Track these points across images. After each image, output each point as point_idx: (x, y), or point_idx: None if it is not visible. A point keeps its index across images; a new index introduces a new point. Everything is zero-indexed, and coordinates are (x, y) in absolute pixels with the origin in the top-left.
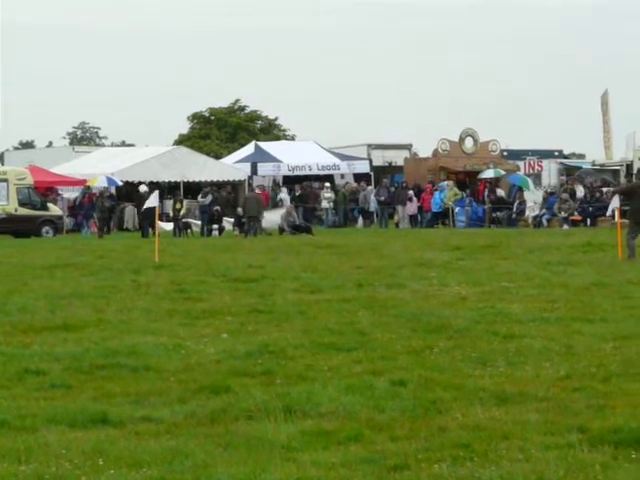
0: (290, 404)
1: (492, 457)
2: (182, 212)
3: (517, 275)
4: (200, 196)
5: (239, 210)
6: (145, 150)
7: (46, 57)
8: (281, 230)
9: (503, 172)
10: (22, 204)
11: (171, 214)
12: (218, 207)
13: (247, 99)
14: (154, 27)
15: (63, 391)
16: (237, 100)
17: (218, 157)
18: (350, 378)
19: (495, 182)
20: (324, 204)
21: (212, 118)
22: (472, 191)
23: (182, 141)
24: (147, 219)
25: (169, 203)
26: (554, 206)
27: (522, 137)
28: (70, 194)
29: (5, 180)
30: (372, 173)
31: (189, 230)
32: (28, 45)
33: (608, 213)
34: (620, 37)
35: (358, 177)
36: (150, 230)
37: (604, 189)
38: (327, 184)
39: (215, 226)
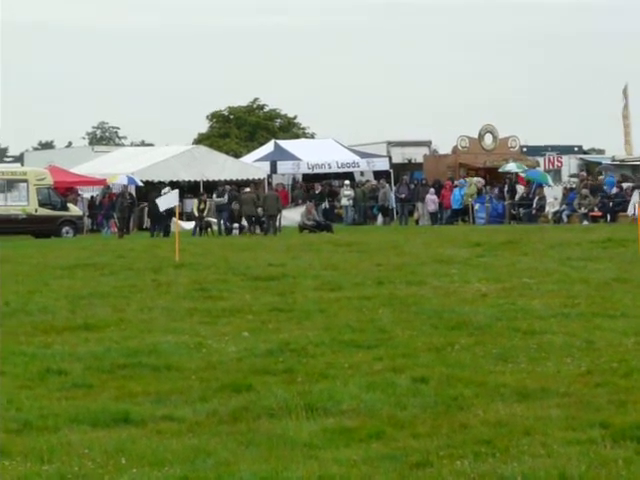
0: (311, 402)
1: (514, 453)
2: (205, 211)
3: (537, 271)
4: (215, 195)
5: (259, 210)
6: (164, 149)
7: (66, 58)
8: (301, 228)
9: (525, 167)
10: (42, 204)
11: (196, 213)
12: (237, 205)
13: (266, 98)
14: (174, 27)
15: (85, 391)
16: (256, 99)
17: (237, 156)
18: (371, 375)
19: (515, 178)
20: (344, 202)
21: (231, 117)
22: (492, 187)
23: (201, 140)
24: (161, 219)
25: (189, 202)
26: (574, 202)
27: (541, 133)
28: (90, 193)
29: (25, 180)
30: (392, 170)
31: (209, 229)
32: (47, 46)
33: (630, 210)
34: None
35: (378, 174)
36: (156, 228)
37: (624, 184)
38: (347, 182)
39: (235, 225)
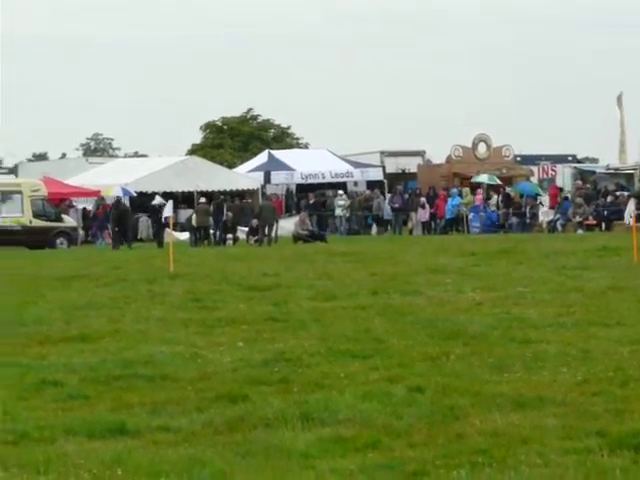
0: (307, 412)
1: (511, 462)
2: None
3: (532, 280)
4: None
5: (253, 222)
6: (158, 160)
7: (59, 69)
8: (295, 238)
9: (497, 179)
10: (36, 215)
11: (195, 225)
12: (229, 213)
13: (260, 108)
14: (167, 37)
15: (81, 402)
16: (250, 109)
17: (231, 166)
18: (367, 385)
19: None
20: (338, 212)
21: (225, 127)
22: (486, 197)
23: (195, 151)
24: (126, 230)
25: (183, 212)
26: (568, 211)
27: (535, 142)
28: (83, 205)
29: (19, 192)
30: (385, 180)
31: (206, 241)
32: (41, 57)
33: (626, 219)
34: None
35: (371, 184)
36: (119, 240)
37: (618, 193)
38: (340, 192)
39: (229, 235)
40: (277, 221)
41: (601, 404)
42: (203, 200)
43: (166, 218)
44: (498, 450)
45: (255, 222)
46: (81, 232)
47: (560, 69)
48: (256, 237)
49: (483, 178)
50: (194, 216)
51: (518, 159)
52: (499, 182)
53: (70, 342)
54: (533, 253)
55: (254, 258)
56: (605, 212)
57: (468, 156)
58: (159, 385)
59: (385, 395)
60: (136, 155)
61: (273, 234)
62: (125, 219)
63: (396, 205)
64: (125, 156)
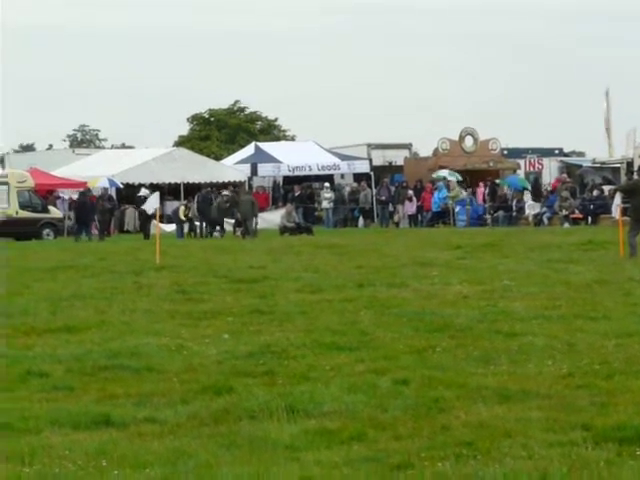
0: (293, 404)
1: (495, 455)
2: (189, 215)
3: (518, 273)
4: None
5: (239, 214)
6: (145, 152)
7: (45, 60)
8: (282, 231)
9: (457, 174)
10: (23, 207)
11: (183, 218)
12: (227, 204)
13: (247, 100)
14: (153, 28)
15: (66, 393)
16: (237, 101)
17: (218, 158)
18: (353, 377)
19: (493, 182)
20: (324, 204)
21: (212, 119)
22: (473, 190)
23: (182, 142)
24: (88, 221)
25: (169, 204)
26: (555, 204)
27: (522, 135)
28: (70, 195)
29: (6, 183)
30: (372, 173)
31: (193, 232)
32: (27, 48)
33: (613, 212)
34: (620, 36)
35: (358, 177)
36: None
37: (605, 187)
38: (327, 184)
39: (217, 227)
40: (256, 215)
41: (586, 397)
42: (253, 190)
43: (152, 210)
44: (483, 442)
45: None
46: (68, 223)
47: (547, 62)
48: (242, 229)
49: (444, 174)
50: (238, 208)
51: (505, 152)
52: (459, 178)
53: (56, 333)
54: (519, 246)
55: (241, 250)
56: (591, 206)
57: (455, 149)
58: (144, 376)
59: (370, 387)
60: (123, 146)
61: (253, 228)
62: (86, 210)
63: (383, 198)
64: (112, 147)
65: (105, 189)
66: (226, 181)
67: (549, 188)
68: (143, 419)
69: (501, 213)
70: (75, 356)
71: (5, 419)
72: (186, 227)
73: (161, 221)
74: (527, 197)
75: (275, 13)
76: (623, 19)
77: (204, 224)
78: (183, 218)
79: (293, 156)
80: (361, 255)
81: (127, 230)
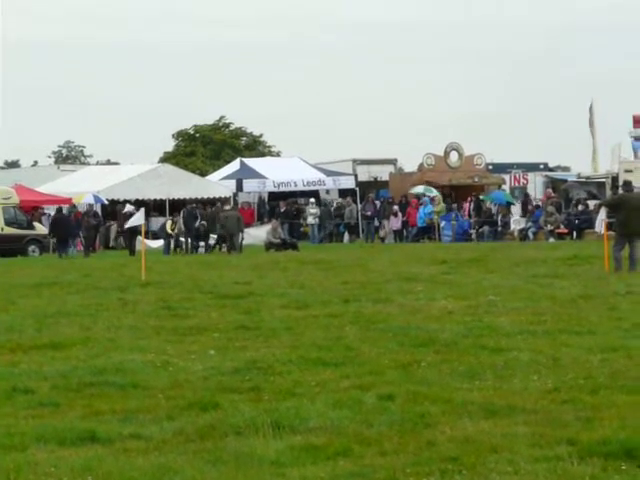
0: (278, 420)
1: (481, 470)
2: (175, 231)
3: (504, 288)
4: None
5: (223, 230)
6: (130, 168)
7: (30, 75)
8: (267, 247)
9: (433, 190)
10: (8, 223)
11: (170, 232)
12: (204, 222)
13: (232, 116)
14: (137, 44)
15: (51, 409)
16: (222, 117)
17: (203, 174)
18: (338, 393)
19: (477, 197)
20: (310, 220)
21: (197, 135)
22: (458, 205)
23: (167, 159)
24: (67, 240)
25: (154, 220)
26: (540, 219)
27: (507, 150)
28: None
29: None
30: (357, 188)
31: (179, 249)
32: (11, 62)
33: (597, 227)
34: (604, 50)
35: (343, 192)
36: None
37: (589, 202)
38: (312, 200)
39: (202, 243)
40: (242, 231)
41: (571, 412)
42: (238, 206)
43: (135, 226)
44: (468, 457)
45: (219, 228)
46: (53, 239)
47: (532, 77)
48: (227, 245)
49: (419, 189)
50: (223, 223)
51: (490, 167)
52: (436, 192)
53: (41, 349)
54: (504, 261)
55: (226, 266)
56: (576, 221)
57: (440, 164)
58: (130, 393)
59: (356, 403)
60: (108, 163)
61: (238, 243)
62: (64, 227)
63: (368, 213)
64: (97, 164)
65: (90, 205)
66: (211, 197)
67: (535, 203)
68: (129, 435)
69: (486, 228)
70: (61, 373)
71: None
72: (172, 243)
73: (146, 237)
74: (515, 211)
75: (260, 29)
76: (606, 31)
77: (189, 240)
78: (170, 232)
79: (278, 172)
80: (347, 271)
81: (112, 246)
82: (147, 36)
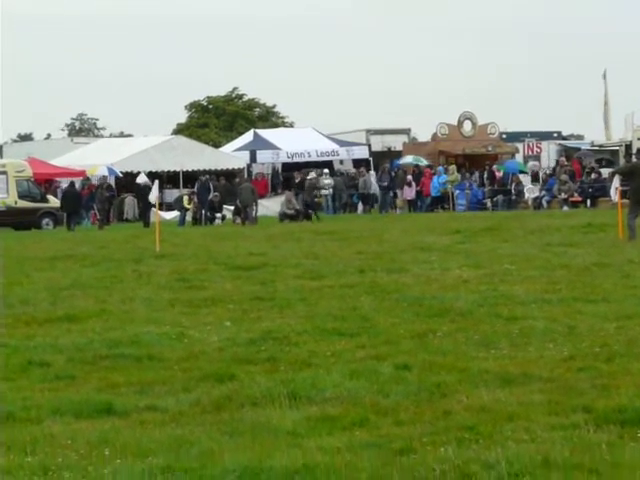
0: (295, 390)
1: (497, 439)
2: (192, 207)
3: (518, 257)
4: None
5: (238, 201)
6: (143, 140)
7: (43, 49)
8: (281, 218)
9: (423, 159)
10: (22, 196)
11: (187, 207)
12: (217, 194)
13: (245, 87)
14: (151, 16)
15: (67, 382)
16: (235, 88)
17: (217, 146)
18: (354, 363)
19: (491, 166)
20: (323, 191)
21: (210, 107)
22: (472, 174)
23: (180, 130)
24: (77, 212)
25: (168, 192)
26: (554, 188)
27: (521, 119)
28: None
29: (4, 173)
30: (371, 158)
31: (196, 220)
32: (25, 37)
33: (611, 195)
34: (618, 18)
35: (357, 163)
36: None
37: (603, 170)
38: (326, 170)
39: (218, 215)
40: (256, 202)
41: (587, 380)
42: (252, 177)
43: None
44: (485, 426)
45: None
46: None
47: (545, 46)
48: (241, 216)
49: (408, 159)
50: (239, 195)
51: (503, 136)
52: (425, 162)
53: (56, 322)
54: (518, 230)
55: (241, 237)
56: (590, 189)
57: (454, 134)
58: (146, 365)
59: (372, 373)
60: (121, 135)
61: (253, 215)
62: (73, 200)
63: (384, 183)
64: (110, 136)
65: (104, 177)
66: (225, 168)
67: (548, 172)
68: (145, 407)
69: (500, 197)
70: (76, 345)
71: (7, 409)
72: (189, 215)
73: (160, 209)
74: (526, 180)
75: (274, 2)
76: None
77: (202, 211)
78: (187, 207)
79: (292, 143)
80: (361, 241)
81: (126, 219)
82: (161, 8)
